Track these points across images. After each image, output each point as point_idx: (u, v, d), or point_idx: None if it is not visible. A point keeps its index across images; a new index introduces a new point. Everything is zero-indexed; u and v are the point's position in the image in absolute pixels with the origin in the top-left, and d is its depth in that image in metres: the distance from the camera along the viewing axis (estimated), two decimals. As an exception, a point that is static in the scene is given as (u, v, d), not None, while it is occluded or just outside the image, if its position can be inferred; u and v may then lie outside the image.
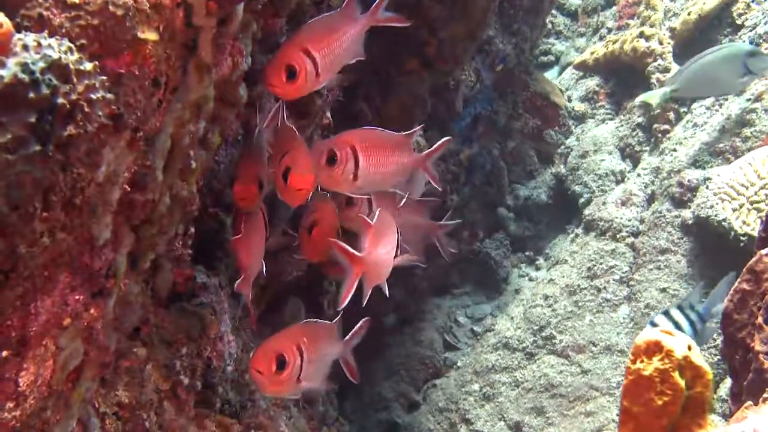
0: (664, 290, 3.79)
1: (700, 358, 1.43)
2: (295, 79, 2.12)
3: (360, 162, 2.26)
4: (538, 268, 4.58)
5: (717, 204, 3.62)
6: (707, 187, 3.74)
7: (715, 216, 3.60)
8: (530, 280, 4.51)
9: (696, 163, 3.97)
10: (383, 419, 4.10)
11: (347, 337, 2.45)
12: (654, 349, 1.42)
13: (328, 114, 2.89)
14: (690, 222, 3.79)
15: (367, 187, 2.34)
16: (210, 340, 2.23)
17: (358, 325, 2.47)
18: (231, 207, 2.45)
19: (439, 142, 2.46)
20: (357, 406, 4.14)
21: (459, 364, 4.20)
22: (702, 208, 3.68)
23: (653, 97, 4.10)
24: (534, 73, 4.80)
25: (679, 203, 3.91)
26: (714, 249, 3.69)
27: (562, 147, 4.83)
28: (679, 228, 3.87)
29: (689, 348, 1.42)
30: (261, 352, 2.19)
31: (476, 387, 4.01)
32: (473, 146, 4.35)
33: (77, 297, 1.43)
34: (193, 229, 2.12)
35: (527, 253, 4.70)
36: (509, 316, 4.20)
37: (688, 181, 3.88)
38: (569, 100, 4.98)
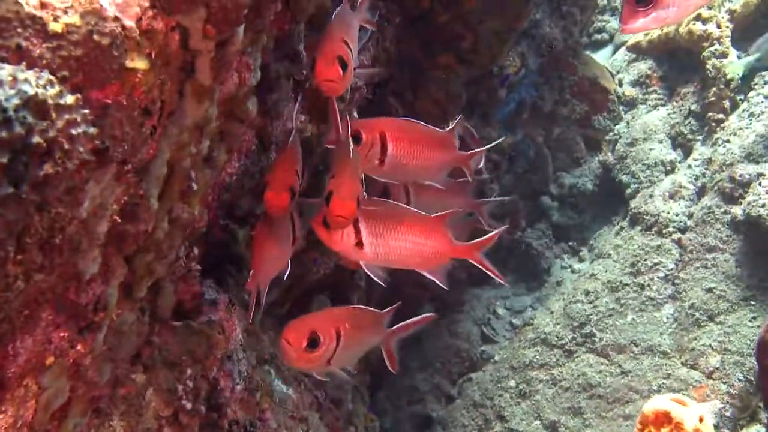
0: (710, 290, 3.64)
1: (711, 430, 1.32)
2: (346, 71, 2.12)
3: (388, 149, 2.28)
4: (581, 260, 4.43)
5: (770, 203, 3.46)
6: (760, 184, 3.57)
7: (767, 216, 3.43)
8: (573, 272, 4.37)
9: (750, 156, 3.78)
10: (417, 412, 4.04)
11: (395, 327, 2.42)
12: (663, 419, 1.31)
13: (355, 115, 2.78)
14: (740, 220, 3.62)
15: (397, 175, 2.35)
16: (217, 360, 2.16)
17: (416, 319, 2.47)
18: (244, 219, 2.37)
19: (484, 147, 2.51)
20: (390, 398, 4.07)
21: (496, 358, 4.09)
22: (753, 206, 3.51)
23: (738, 67, 3.91)
24: (582, 56, 4.61)
25: (730, 199, 3.74)
26: (765, 250, 3.53)
27: (611, 134, 4.64)
28: (729, 226, 3.71)
29: (701, 420, 1.31)
30: (296, 325, 2.17)
31: (512, 383, 3.91)
32: (517, 133, 4.21)
33: (62, 334, 1.40)
34: (196, 250, 2.05)
35: (570, 244, 4.56)
36: (549, 310, 4.08)
37: (740, 176, 3.70)
38: (620, 84, 4.78)
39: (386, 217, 2.26)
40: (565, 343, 3.90)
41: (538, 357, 3.92)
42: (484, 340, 4.23)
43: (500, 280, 2.44)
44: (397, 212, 2.29)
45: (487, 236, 2.37)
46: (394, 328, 2.41)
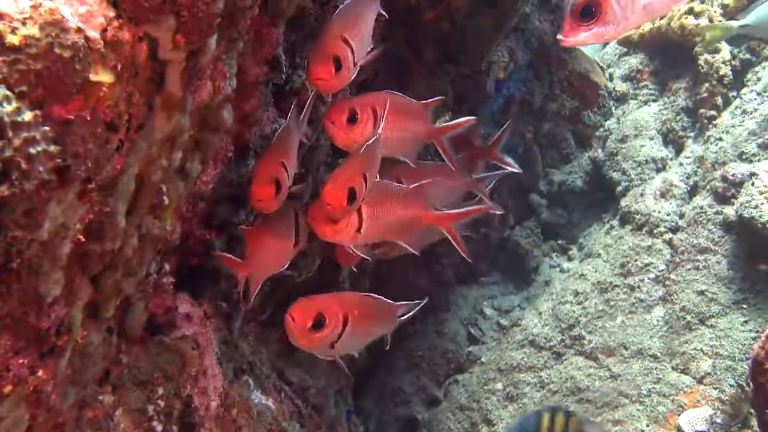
0: (702, 293, 3.56)
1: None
2: (341, 69, 2.07)
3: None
4: (570, 259, 4.34)
5: (763, 204, 3.38)
6: (753, 184, 3.48)
7: (760, 217, 3.36)
8: (562, 271, 4.28)
9: (742, 155, 3.70)
10: (402, 415, 3.96)
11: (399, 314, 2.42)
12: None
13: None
14: (732, 221, 3.54)
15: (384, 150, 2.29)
16: (191, 377, 2.07)
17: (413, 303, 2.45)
18: (221, 228, 2.28)
19: (459, 120, 2.45)
20: (375, 400, 3.99)
21: (483, 359, 4.01)
22: (746, 207, 3.43)
23: (716, 29, 3.81)
24: (573, 51, 4.51)
25: (723, 199, 3.66)
26: (757, 252, 3.46)
27: (601, 129, 4.54)
28: (721, 226, 3.63)
29: None
30: (303, 304, 2.14)
31: (499, 386, 3.83)
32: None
33: (21, 361, 1.32)
34: (167, 266, 1.96)
35: (560, 242, 4.47)
36: (537, 310, 4.00)
37: (733, 175, 3.62)
38: (610, 78, 4.69)
39: (378, 199, 2.25)
40: (553, 345, 3.82)
41: (525, 359, 3.84)
42: (470, 341, 4.15)
43: (464, 255, 2.42)
44: (384, 189, 2.28)
45: (464, 210, 2.43)
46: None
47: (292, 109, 2.30)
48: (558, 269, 4.31)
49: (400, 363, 4.07)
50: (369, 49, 2.24)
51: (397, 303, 2.39)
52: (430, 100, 2.42)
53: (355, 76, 2.17)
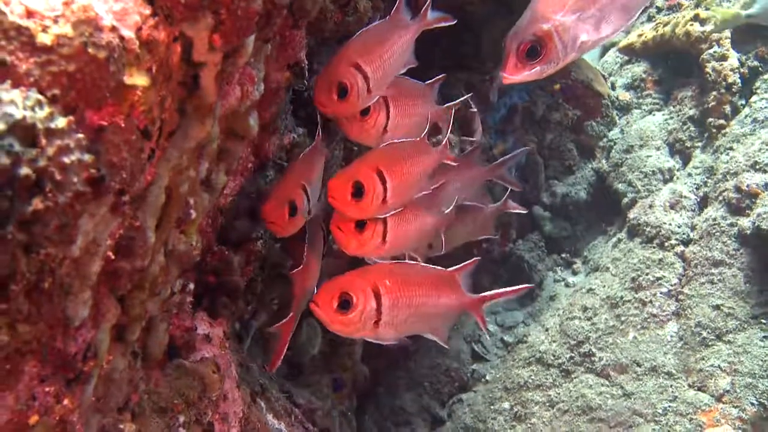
0: (717, 307, 3.45)
1: None
2: (346, 97, 2.03)
3: (390, 112, 2.24)
4: (575, 273, 4.22)
5: (781, 215, 3.29)
6: (770, 195, 3.39)
7: (778, 229, 3.27)
8: (567, 285, 4.16)
9: (756, 165, 3.60)
10: (404, 435, 3.81)
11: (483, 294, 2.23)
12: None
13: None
14: (748, 233, 3.44)
15: (394, 137, 2.27)
16: (212, 403, 1.93)
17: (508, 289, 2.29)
18: (239, 244, 2.14)
19: (459, 100, 2.43)
20: (376, 420, 3.84)
21: (488, 377, 3.88)
22: (763, 218, 3.34)
23: (725, 15, 3.73)
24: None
25: (736, 210, 3.56)
26: (776, 265, 3.36)
27: (605, 140, 4.44)
28: (736, 239, 3.52)
29: None
30: (325, 287, 2.00)
31: (506, 405, 3.69)
32: (507, 140, 4.02)
33: (47, 389, 1.23)
34: (192, 285, 1.81)
35: (563, 255, 4.35)
36: (543, 327, 3.89)
37: (747, 186, 3.52)
38: (612, 87, 4.59)
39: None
40: (562, 363, 3.69)
41: (533, 377, 3.71)
42: (474, 358, 4.01)
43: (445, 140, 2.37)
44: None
45: (455, 101, 2.41)
46: (482, 294, 2.22)
47: (318, 129, 2.25)
48: (563, 283, 4.19)
49: (402, 382, 3.92)
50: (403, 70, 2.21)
51: (450, 269, 2.19)
52: (434, 80, 2.38)
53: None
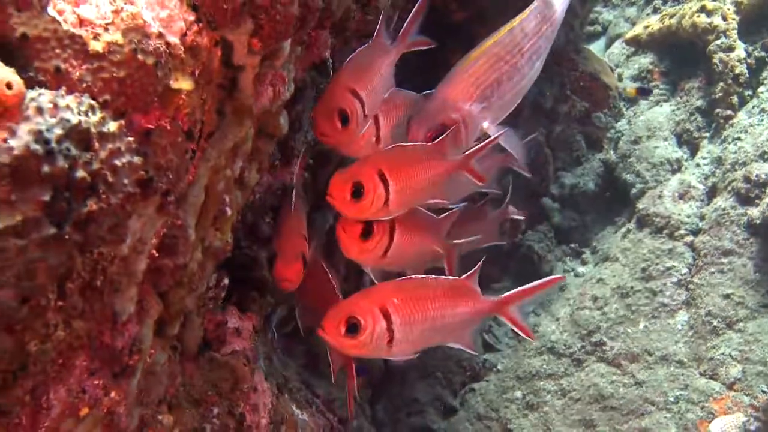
0: (727, 296, 3.49)
1: None
2: (348, 124, 2.03)
3: (381, 128, 2.24)
4: (584, 263, 4.24)
5: (791, 205, 3.32)
6: (779, 184, 3.43)
7: (789, 219, 3.30)
8: (576, 275, 4.18)
9: (764, 155, 3.64)
10: (416, 424, 3.83)
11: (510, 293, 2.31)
12: None
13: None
14: (758, 222, 3.47)
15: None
16: (243, 394, 1.97)
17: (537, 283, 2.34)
18: (266, 240, 2.16)
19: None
20: (389, 410, 3.87)
21: (499, 367, 3.91)
22: (773, 208, 3.37)
23: None
24: (583, 51, 4.43)
25: (746, 200, 3.59)
26: (786, 254, 3.40)
27: (612, 131, 4.45)
28: (746, 228, 3.56)
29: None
30: (334, 312, 2.03)
31: (519, 394, 3.73)
32: (517, 132, 4.02)
33: (96, 381, 1.29)
34: (226, 280, 1.84)
35: (572, 246, 4.37)
36: (554, 316, 3.92)
37: (756, 176, 3.56)
38: (619, 79, 4.61)
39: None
40: (573, 352, 3.73)
41: (545, 366, 3.75)
42: (485, 348, 4.04)
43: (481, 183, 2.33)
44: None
45: (479, 145, 2.24)
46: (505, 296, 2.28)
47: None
48: (572, 273, 4.21)
49: (414, 372, 3.95)
50: (383, 97, 2.21)
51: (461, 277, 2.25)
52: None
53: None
